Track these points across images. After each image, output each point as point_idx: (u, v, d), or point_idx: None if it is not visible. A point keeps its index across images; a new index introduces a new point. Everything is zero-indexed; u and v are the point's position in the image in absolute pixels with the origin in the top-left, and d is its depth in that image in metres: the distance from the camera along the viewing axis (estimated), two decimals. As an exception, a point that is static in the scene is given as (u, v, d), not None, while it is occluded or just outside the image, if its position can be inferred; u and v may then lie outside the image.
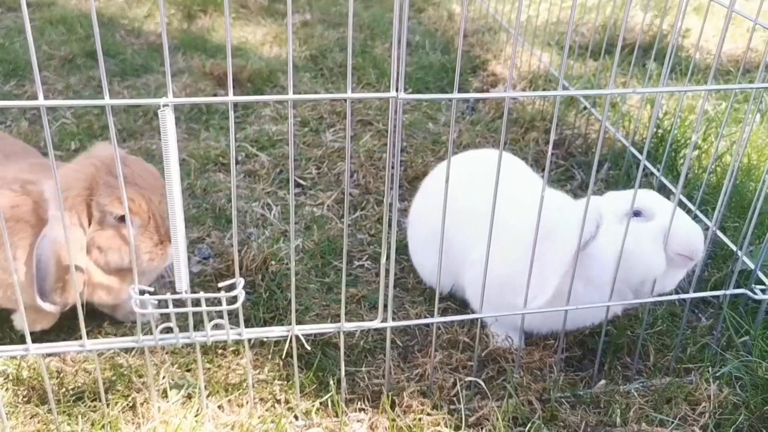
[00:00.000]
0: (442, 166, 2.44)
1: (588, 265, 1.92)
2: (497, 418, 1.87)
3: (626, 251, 1.87)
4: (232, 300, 1.63)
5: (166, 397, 1.92)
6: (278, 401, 1.96)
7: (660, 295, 2.03)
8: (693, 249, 1.94)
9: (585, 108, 3.41)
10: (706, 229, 2.14)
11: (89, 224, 1.92)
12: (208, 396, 1.93)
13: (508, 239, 1.98)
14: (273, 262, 2.43)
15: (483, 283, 1.83)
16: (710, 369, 2.05)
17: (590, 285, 1.96)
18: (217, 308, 1.62)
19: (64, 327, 2.18)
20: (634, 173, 2.95)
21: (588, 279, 1.95)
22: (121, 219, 1.91)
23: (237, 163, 3.08)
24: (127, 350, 2.08)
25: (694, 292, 2.02)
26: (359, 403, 1.96)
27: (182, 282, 1.61)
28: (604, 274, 1.93)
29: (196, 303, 1.64)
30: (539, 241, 1.80)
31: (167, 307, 1.62)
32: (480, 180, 2.24)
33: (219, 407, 1.92)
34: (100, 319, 2.23)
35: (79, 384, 1.97)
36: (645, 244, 1.92)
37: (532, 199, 1.81)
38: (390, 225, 1.67)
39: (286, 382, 2.02)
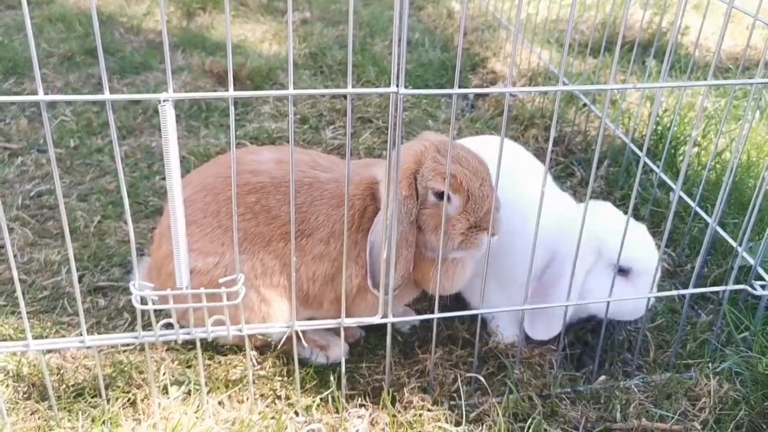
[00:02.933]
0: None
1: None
2: (498, 414, 1.87)
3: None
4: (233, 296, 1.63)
5: (167, 393, 1.92)
6: (279, 397, 1.96)
7: (659, 290, 2.03)
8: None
9: (584, 105, 3.41)
10: (706, 226, 2.16)
11: (416, 199, 1.84)
12: (208, 392, 1.93)
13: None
14: (273, 259, 2.42)
15: (484, 278, 1.84)
16: (710, 365, 2.05)
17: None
18: (218, 304, 1.63)
19: (63, 324, 2.18)
20: (634, 170, 2.95)
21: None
22: (441, 197, 1.84)
23: (237, 160, 3.07)
24: (127, 346, 2.09)
25: (694, 287, 2.02)
26: (360, 399, 1.96)
27: (182, 278, 1.61)
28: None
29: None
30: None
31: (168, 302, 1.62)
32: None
33: (219, 403, 1.92)
34: (100, 315, 2.23)
35: (79, 380, 1.97)
36: (625, 305, 2.00)
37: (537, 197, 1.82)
38: (390, 221, 1.66)
39: (286, 378, 2.02)
